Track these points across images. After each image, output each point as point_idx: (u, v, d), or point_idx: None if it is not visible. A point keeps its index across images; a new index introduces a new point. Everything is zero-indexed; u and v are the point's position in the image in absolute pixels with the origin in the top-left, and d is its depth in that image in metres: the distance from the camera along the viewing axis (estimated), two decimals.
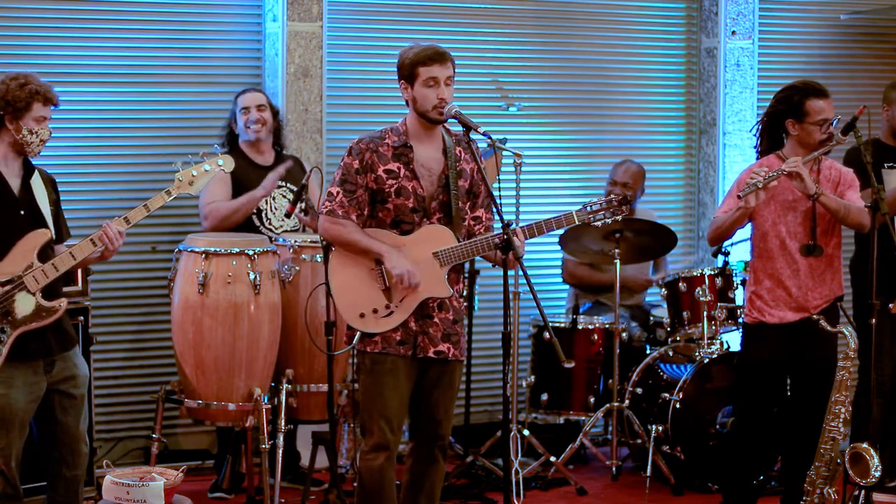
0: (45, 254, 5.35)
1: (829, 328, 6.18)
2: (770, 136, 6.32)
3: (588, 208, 5.53)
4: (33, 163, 5.46)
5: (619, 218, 5.54)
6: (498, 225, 5.34)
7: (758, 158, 6.37)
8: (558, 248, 7.74)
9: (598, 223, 5.56)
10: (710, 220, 8.12)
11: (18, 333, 5.30)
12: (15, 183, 5.39)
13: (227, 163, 5.71)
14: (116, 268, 7.13)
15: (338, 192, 5.36)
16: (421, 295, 5.39)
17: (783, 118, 6.22)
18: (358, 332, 5.37)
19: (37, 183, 5.45)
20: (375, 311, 5.35)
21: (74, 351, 5.52)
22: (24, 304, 5.30)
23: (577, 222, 5.51)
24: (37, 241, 5.33)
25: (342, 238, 5.37)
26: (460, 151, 5.48)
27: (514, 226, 5.30)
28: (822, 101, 6.15)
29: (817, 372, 6.25)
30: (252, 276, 6.35)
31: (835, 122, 6.19)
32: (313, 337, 6.20)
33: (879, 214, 6.18)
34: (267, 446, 6.37)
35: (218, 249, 6.38)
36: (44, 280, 5.30)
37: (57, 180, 5.60)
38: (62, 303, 5.38)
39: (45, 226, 5.38)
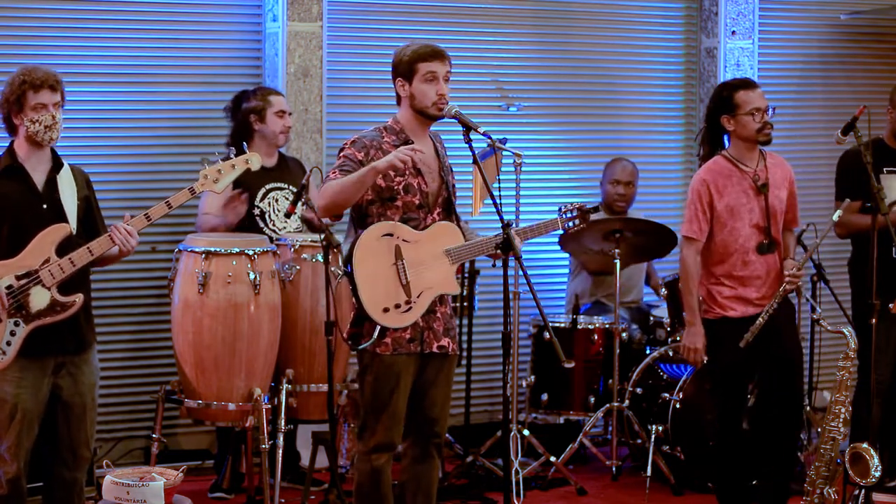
0: (65, 249, 5.32)
1: (828, 328, 6.20)
2: (711, 140, 6.38)
3: (562, 215, 5.68)
4: (68, 161, 5.49)
5: (583, 226, 5.71)
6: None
7: (700, 165, 6.41)
8: (558, 247, 7.75)
9: (572, 230, 5.74)
10: None
11: (32, 328, 5.29)
12: (39, 178, 5.39)
13: (255, 161, 5.60)
14: (116, 267, 7.07)
15: (334, 172, 5.30)
16: (436, 291, 5.40)
17: (718, 116, 6.27)
18: (377, 330, 5.34)
19: (64, 178, 5.44)
20: (397, 306, 5.35)
21: (87, 357, 5.48)
22: (39, 299, 5.29)
23: (559, 227, 5.67)
24: (56, 236, 5.31)
25: (336, 189, 5.23)
26: (440, 148, 5.53)
27: (513, 226, 5.33)
28: (750, 92, 6.23)
29: (785, 363, 6.27)
30: (252, 276, 6.35)
31: (770, 113, 6.23)
32: (316, 339, 6.17)
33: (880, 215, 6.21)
34: (267, 446, 6.37)
35: (218, 249, 6.38)
36: (60, 275, 5.28)
37: None
38: (78, 298, 5.35)
39: (67, 221, 5.38)
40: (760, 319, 6.13)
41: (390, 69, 5.42)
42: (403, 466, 5.54)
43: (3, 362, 5.27)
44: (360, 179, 5.24)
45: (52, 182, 5.40)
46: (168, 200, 5.41)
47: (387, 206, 5.38)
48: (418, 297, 5.37)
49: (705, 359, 6.23)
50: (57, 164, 5.44)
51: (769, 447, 6.37)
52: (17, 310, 5.27)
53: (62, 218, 5.37)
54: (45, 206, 5.36)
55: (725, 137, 6.33)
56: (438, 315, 5.44)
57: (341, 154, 5.39)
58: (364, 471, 5.41)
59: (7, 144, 5.46)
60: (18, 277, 5.27)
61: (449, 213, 5.49)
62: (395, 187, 5.36)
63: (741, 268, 6.24)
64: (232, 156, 5.55)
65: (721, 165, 6.27)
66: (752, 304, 6.24)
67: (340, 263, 5.74)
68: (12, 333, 5.27)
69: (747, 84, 6.30)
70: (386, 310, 5.33)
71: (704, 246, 6.28)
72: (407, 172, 5.37)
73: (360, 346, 5.35)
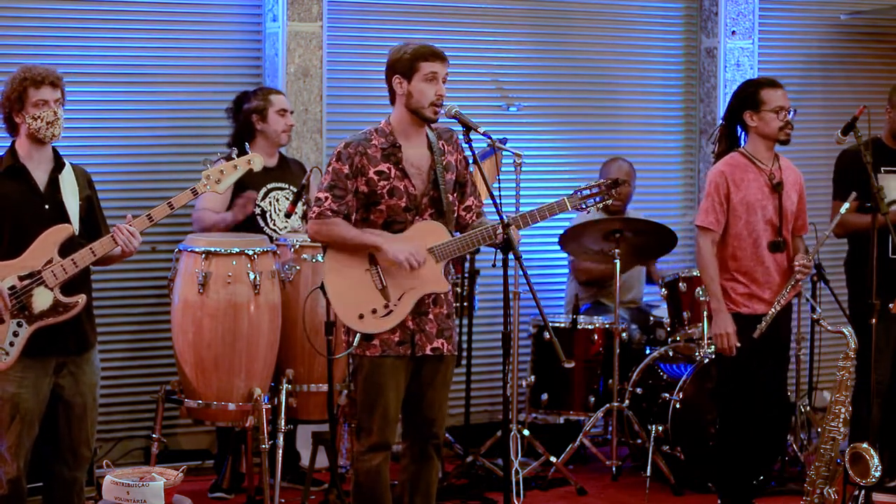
0: (67, 249, 5.33)
1: (828, 328, 6.21)
2: (729, 137, 6.44)
3: (579, 193, 5.60)
4: (68, 160, 5.49)
5: (609, 202, 5.63)
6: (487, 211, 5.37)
7: (714, 162, 6.45)
8: (558, 247, 7.74)
9: (591, 209, 5.65)
10: None
11: (35, 329, 5.29)
12: (41, 178, 5.39)
13: (257, 162, 5.60)
14: (116, 267, 7.06)
15: (326, 197, 5.35)
16: (420, 292, 5.39)
17: (741, 112, 6.34)
18: (357, 335, 5.36)
19: (66, 178, 5.44)
20: (374, 311, 5.35)
21: (89, 356, 5.48)
22: (42, 299, 5.29)
23: (569, 208, 5.60)
24: (58, 236, 5.31)
25: (335, 236, 5.35)
26: (443, 144, 5.50)
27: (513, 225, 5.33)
28: (775, 90, 6.31)
29: (780, 361, 6.40)
30: (252, 276, 6.35)
31: (791, 114, 6.31)
32: (312, 340, 6.16)
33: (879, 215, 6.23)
34: (267, 446, 6.36)
35: (218, 249, 6.38)
36: (62, 276, 5.29)
37: None
38: (81, 299, 5.35)
39: (69, 221, 5.38)
40: (773, 310, 6.18)
41: (387, 66, 5.42)
42: (402, 466, 5.54)
43: (7, 363, 5.27)
44: (357, 245, 5.34)
45: (54, 182, 5.40)
46: (170, 201, 5.41)
47: (370, 210, 5.38)
48: (399, 299, 5.36)
49: (738, 344, 6.22)
50: (59, 164, 5.44)
51: (769, 445, 6.40)
52: (20, 310, 5.27)
53: (64, 218, 5.37)
54: (46, 206, 5.36)
55: (742, 137, 6.40)
56: (431, 317, 5.43)
57: (329, 167, 5.40)
58: (361, 470, 5.42)
59: (8, 146, 5.47)
60: (21, 278, 5.27)
61: (441, 213, 5.48)
62: (379, 191, 5.36)
63: (756, 264, 6.28)
64: (234, 156, 5.54)
65: (738, 161, 6.35)
66: (764, 303, 6.29)
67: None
68: (15, 334, 5.27)
69: (773, 83, 6.38)
70: (361, 316, 5.34)
71: (720, 239, 6.33)
72: (392, 175, 5.37)
73: (336, 356, 5.36)
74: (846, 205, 6.36)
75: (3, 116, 5.42)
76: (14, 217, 5.32)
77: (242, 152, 5.59)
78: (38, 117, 5.32)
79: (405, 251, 5.32)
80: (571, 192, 5.64)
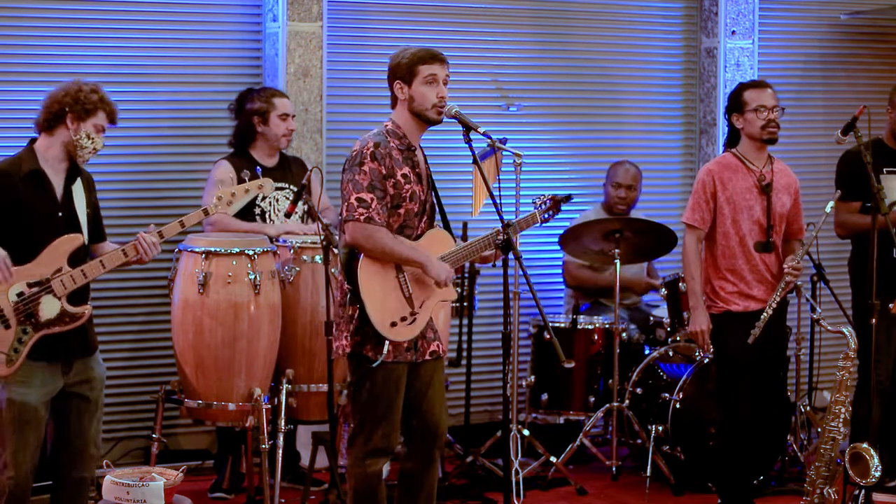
0: (77, 259, 5.37)
1: (828, 328, 6.22)
2: (730, 141, 6.56)
3: (540, 207, 5.94)
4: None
5: (556, 215, 6.01)
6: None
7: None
8: (558, 248, 7.74)
9: (548, 220, 6.00)
10: None
11: (39, 336, 5.31)
12: (58, 185, 5.42)
13: (268, 187, 5.83)
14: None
15: (372, 199, 5.25)
16: (435, 300, 5.40)
17: (731, 114, 6.48)
18: (386, 346, 5.30)
19: (78, 187, 5.49)
20: (403, 318, 5.33)
21: (93, 357, 5.53)
22: (49, 308, 5.32)
23: (538, 222, 5.92)
24: (69, 246, 5.35)
25: (384, 247, 5.27)
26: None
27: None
28: (758, 90, 6.42)
29: (775, 360, 6.45)
30: (252, 277, 6.35)
31: (777, 113, 6.39)
32: (311, 341, 6.13)
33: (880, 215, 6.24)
34: (267, 446, 6.37)
35: (218, 249, 6.38)
36: (71, 285, 5.33)
37: None
38: (87, 309, 5.40)
39: (81, 230, 5.41)
40: (765, 314, 6.22)
41: (388, 72, 5.42)
42: (404, 469, 5.51)
43: (10, 369, 5.28)
44: (402, 261, 5.30)
45: (68, 190, 5.44)
46: (182, 220, 5.56)
47: (390, 212, 5.35)
48: (420, 307, 5.36)
49: (709, 342, 6.34)
50: (74, 173, 5.47)
51: (769, 445, 6.41)
52: (27, 318, 5.30)
53: (76, 226, 5.41)
54: (60, 213, 5.40)
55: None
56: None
57: (363, 167, 5.27)
58: (359, 475, 5.38)
59: (14, 145, 5.48)
60: (30, 285, 5.29)
61: (431, 222, 5.49)
62: (404, 194, 5.34)
63: (743, 263, 6.35)
64: (246, 179, 5.67)
65: (729, 160, 6.45)
66: (754, 300, 6.35)
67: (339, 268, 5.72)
68: (20, 341, 5.29)
69: (757, 84, 6.49)
70: (393, 324, 5.31)
71: (710, 238, 6.39)
72: (412, 179, 5.36)
73: (375, 363, 5.30)
74: (830, 203, 6.38)
75: (54, 112, 5.39)
76: (29, 221, 5.35)
77: (255, 177, 5.74)
78: (92, 139, 5.39)
79: (446, 271, 5.33)
80: (532, 204, 5.98)
